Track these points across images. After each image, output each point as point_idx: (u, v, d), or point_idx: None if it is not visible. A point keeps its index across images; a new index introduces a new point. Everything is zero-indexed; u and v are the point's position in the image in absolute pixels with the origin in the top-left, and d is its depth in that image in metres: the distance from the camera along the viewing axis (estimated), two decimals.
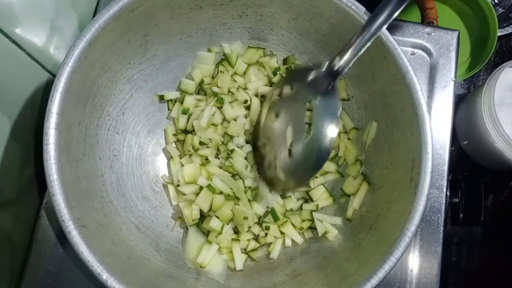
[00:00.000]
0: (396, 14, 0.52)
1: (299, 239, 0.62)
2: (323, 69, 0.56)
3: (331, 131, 0.55)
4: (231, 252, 0.60)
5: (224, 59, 0.66)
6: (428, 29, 0.73)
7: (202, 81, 0.66)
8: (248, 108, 0.66)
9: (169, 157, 0.66)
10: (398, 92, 0.56)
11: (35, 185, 0.64)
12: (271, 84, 0.66)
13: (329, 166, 0.65)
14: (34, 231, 0.63)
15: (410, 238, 0.50)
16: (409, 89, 0.54)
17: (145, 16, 0.55)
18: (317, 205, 0.63)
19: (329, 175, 0.65)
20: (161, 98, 0.65)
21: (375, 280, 0.49)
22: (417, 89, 0.54)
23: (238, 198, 0.61)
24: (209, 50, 0.66)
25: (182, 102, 0.66)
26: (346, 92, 0.65)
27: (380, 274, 0.49)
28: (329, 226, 0.61)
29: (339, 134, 0.65)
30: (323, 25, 0.60)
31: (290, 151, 0.59)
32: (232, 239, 0.61)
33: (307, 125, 0.57)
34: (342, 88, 0.65)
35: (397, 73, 0.55)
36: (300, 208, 0.64)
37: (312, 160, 0.57)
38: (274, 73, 0.66)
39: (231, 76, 0.65)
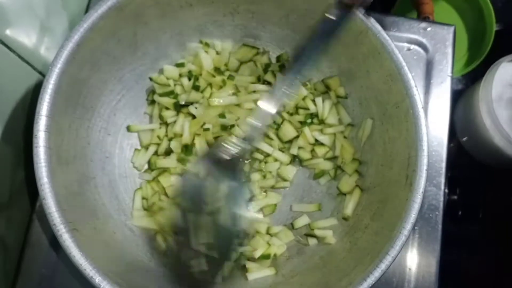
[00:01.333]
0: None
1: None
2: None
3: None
4: None
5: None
6: (423, 24, 0.72)
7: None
8: None
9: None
10: (393, 88, 0.55)
11: (28, 187, 0.63)
12: (263, 81, 0.65)
13: (326, 165, 0.65)
14: (27, 234, 0.62)
15: (406, 237, 0.49)
16: (403, 86, 0.54)
17: (134, 15, 0.54)
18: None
19: (326, 176, 0.65)
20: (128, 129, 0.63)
21: (371, 280, 0.48)
22: (411, 85, 0.53)
23: None
24: (201, 42, 0.64)
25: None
26: (343, 89, 0.64)
27: (376, 273, 0.48)
28: (327, 232, 0.60)
29: (334, 133, 0.65)
30: (315, 21, 0.59)
31: None
32: None
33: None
34: (337, 85, 0.64)
35: (391, 69, 0.54)
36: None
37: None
38: (265, 70, 0.65)
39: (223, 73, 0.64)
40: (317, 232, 0.60)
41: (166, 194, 0.61)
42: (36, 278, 0.61)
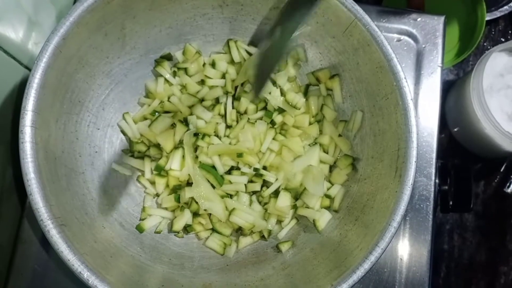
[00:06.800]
0: None
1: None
2: None
3: None
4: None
5: None
6: (414, 15, 0.72)
7: None
8: None
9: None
10: (382, 80, 0.55)
11: (17, 184, 0.63)
12: None
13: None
14: (19, 231, 0.62)
15: (396, 228, 0.49)
16: (393, 77, 0.53)
17: (122, 8, 0.54)
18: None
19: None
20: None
21: (361, 271, 0.48)
22: (401, 77, 0.53)
23: None
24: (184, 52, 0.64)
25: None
26: (341, 94, 0.64)
27: (366, 265, 0.48)
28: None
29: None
30: None
31: None
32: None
33: None
34: (327, 77, 0.64)
35: (380, 61, 0.54)
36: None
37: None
38: None
39: None
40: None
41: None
42: (29, 274, 0.61)
